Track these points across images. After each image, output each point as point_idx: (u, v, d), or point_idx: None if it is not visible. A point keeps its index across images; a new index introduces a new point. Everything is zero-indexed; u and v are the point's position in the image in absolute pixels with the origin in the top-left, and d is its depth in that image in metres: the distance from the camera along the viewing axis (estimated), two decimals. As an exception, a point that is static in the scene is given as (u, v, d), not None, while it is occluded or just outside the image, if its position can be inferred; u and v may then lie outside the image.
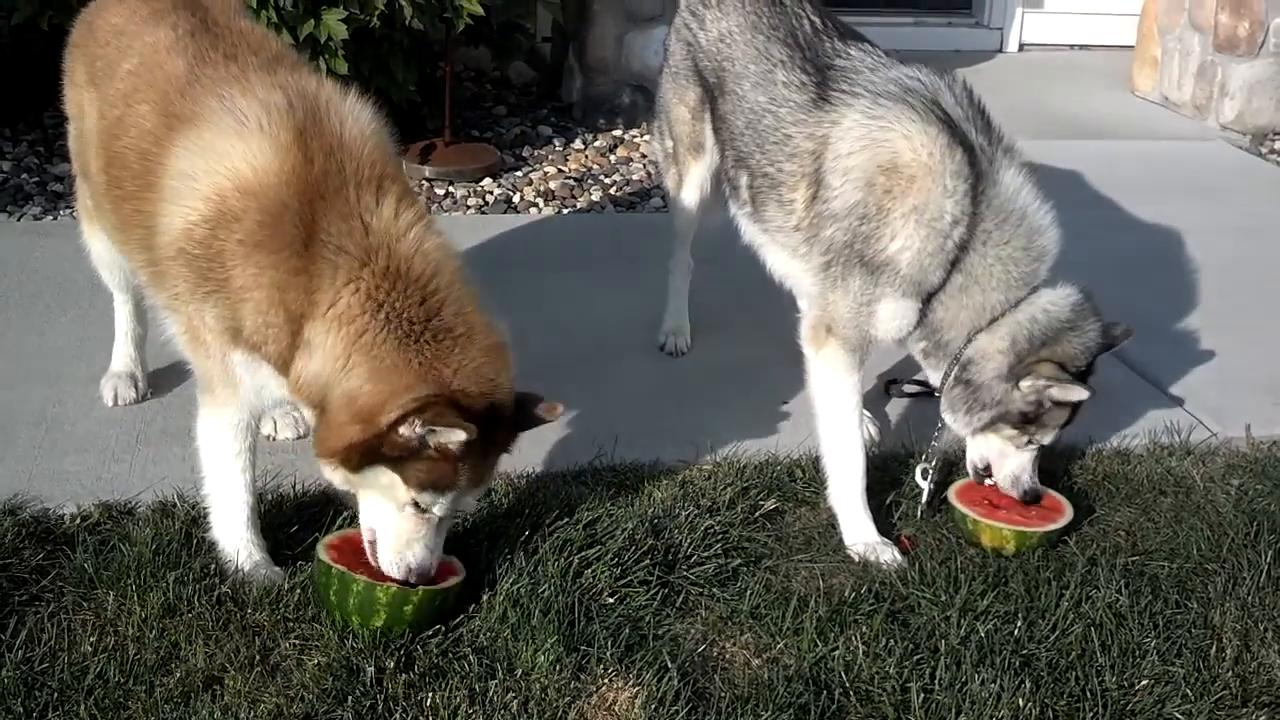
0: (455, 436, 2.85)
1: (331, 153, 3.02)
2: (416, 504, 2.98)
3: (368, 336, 2.91)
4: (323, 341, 2.93)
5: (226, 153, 3.01)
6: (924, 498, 3.71)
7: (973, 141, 3.49)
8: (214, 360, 3.16)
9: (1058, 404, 3.51)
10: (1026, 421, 3.53)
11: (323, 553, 3.11)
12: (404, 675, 2.93)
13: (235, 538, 3.24)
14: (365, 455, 2.92)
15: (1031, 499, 3.62)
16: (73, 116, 3.78)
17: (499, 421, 2.97)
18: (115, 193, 3.36)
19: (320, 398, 2.97)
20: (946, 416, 3.67)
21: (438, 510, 3.00)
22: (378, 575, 3.05)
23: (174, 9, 3.44)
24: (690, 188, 4.39)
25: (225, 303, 3.03)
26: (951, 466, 3.84)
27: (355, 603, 3.01)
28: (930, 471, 3.72)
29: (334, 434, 2.95)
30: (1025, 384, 3.47)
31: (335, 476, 3.05)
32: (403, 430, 2.85)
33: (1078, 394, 3.48)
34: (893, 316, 3.56)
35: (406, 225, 3.01)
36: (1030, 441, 3.58)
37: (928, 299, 3.54)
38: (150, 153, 3.18)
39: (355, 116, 3.14)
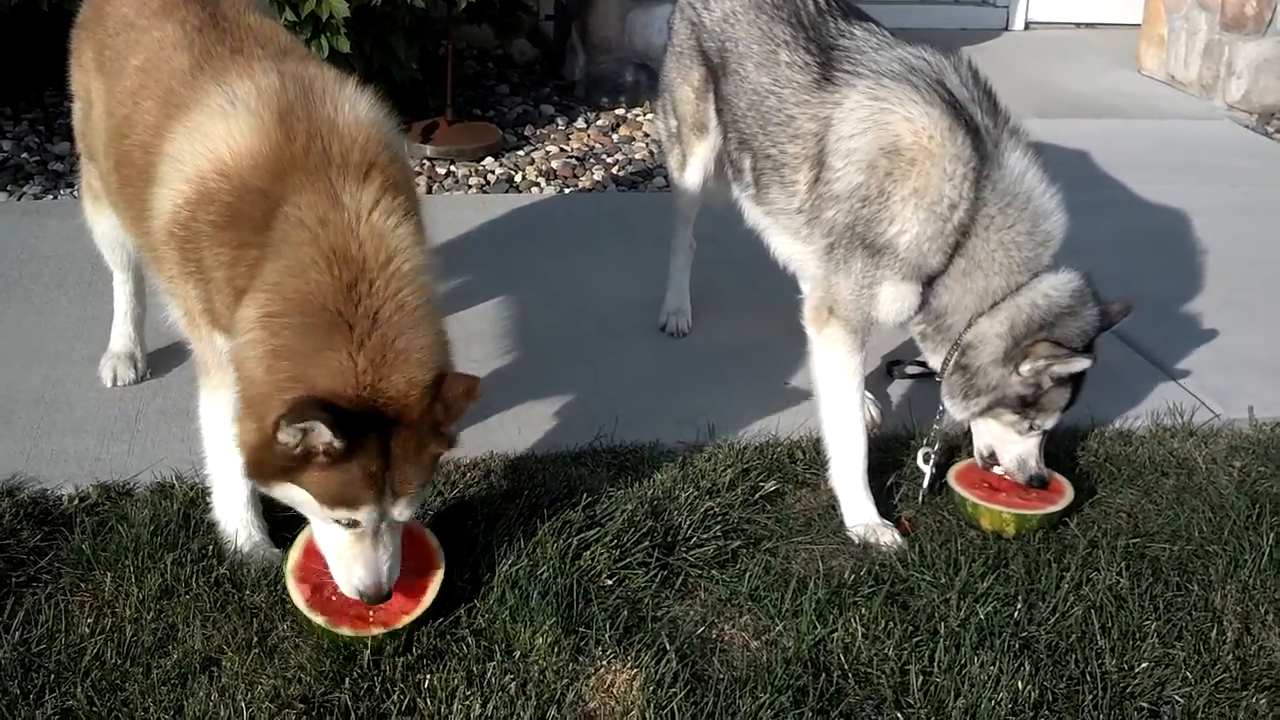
0: (323, 438, 2.65)
1: (318, 135, 2.93)
2: (338, 521, 2.84)
3: (276, 307, 2.74)
4: (243, 312, 2.80)
5: (210, 134, 2.98)
6: (925, 482, 3.69)
7: (977, 123, 3.46)
8: (205, 343, 3.17)
9: (1058, 382, 3.49)
10: (1025, 405, 3.51)
11: (297, 596, 3.00)
12: (402, 657, 2.92)
13: (235, 518, 3.24)
14: (263, 464, 2.75)
15: (1038, 484, 3.60)
16: (79, 97, 3.75)
17: (401, 426, 2.73)
18: (127, 191, 3.34)
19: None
20: (946, 402, 3.65)
21: (365, 522, 2.83)
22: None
23: (184, 2, 3.39)
24: (693, 168, 4.37)
25: (201, 284, 3.01)
26: (954, 450, 3.83)
27: (345, 643, 2.96)
28: (932, 455, 3.70)
29: (241, 431, 2.80)
30: (1025, 367, 3.45)
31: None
32: (280, 436, 2.66)
33: (1079, 364, 3.45)
34: (894, 299, 3.54)
35: (382, 211, 2.85)
36: (1032, 427, 3.56)
37: (930, 283, 3.51)
38: (151, 145, 3.16)
39: (352, 104, 3.06)
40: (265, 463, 2.76)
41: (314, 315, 2.73)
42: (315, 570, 3.03)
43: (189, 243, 2.99)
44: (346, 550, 2.88)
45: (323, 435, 2.65)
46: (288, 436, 2.66)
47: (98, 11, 3.62)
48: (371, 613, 2.98)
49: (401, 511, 2.84)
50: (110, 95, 3.41)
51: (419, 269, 2.86)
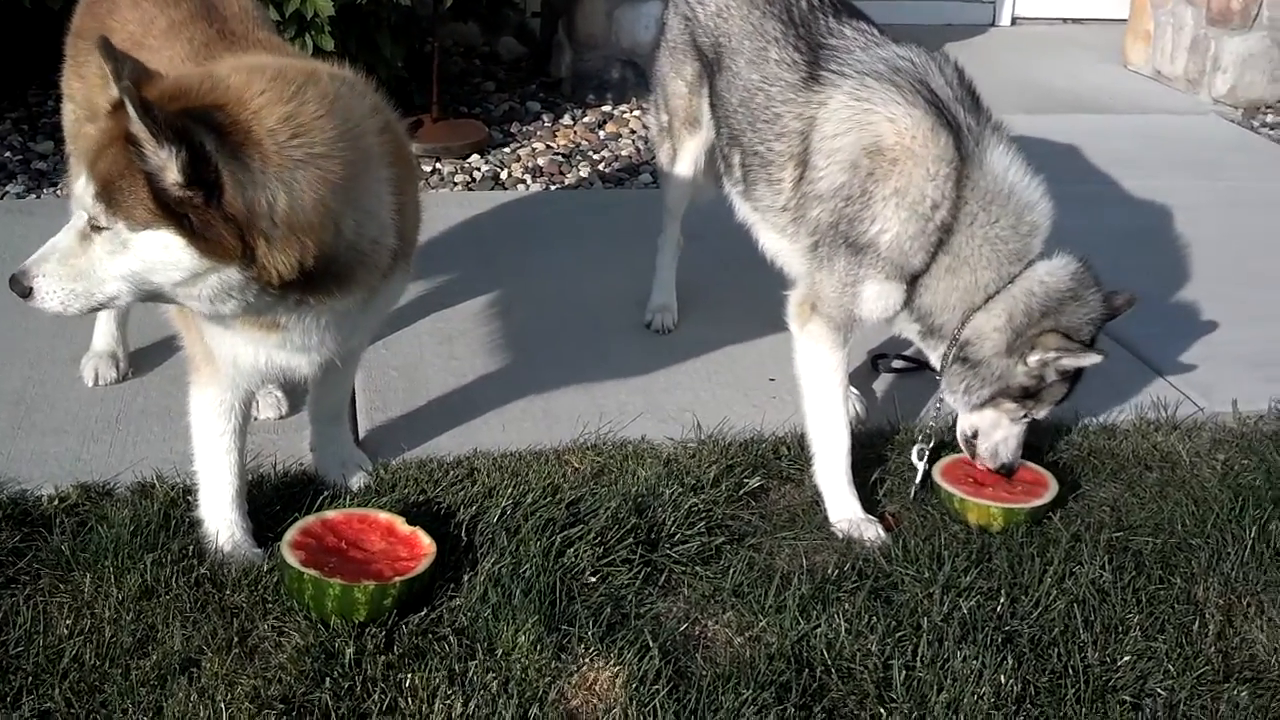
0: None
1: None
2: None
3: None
4: None
5: None
6: (918, 478, 3.68)
7: (960, 123, 3.45)
8: (193, 338, 3.17)
9: (1062, 375, 3.50)
10: (1027, 396, 3.52)
11: (289, 556, 3.03)
12: (383, 656, 2.91)
13: (219, 517, 3.23)
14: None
15: (1006, 472, 3.61)
16: (74, 102, 3.69)
17: None
18: None
19: None
20: (947, 395, 3.64)
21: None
22: (351, 573, 3.02)
23: (192, 19, 3.40)
24: (684, 163, 4.35)
25: None
26: (945, 446, 3.82)
27: (334, 605, 2.97)
28: (925, 451, 3.69)
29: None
30: (1033, 358, 3.45)
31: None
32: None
33: (1089, 359, 3.45)
34: (876, 298, 3.53)
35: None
36: (1026, 415, 3.57)
37: (914, 281, 3.51)
38: None
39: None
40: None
41: None
42: (308, 544, 3.09)
43: None
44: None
45: None
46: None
47: (100, 24, 3.55)
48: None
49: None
50: None
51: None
